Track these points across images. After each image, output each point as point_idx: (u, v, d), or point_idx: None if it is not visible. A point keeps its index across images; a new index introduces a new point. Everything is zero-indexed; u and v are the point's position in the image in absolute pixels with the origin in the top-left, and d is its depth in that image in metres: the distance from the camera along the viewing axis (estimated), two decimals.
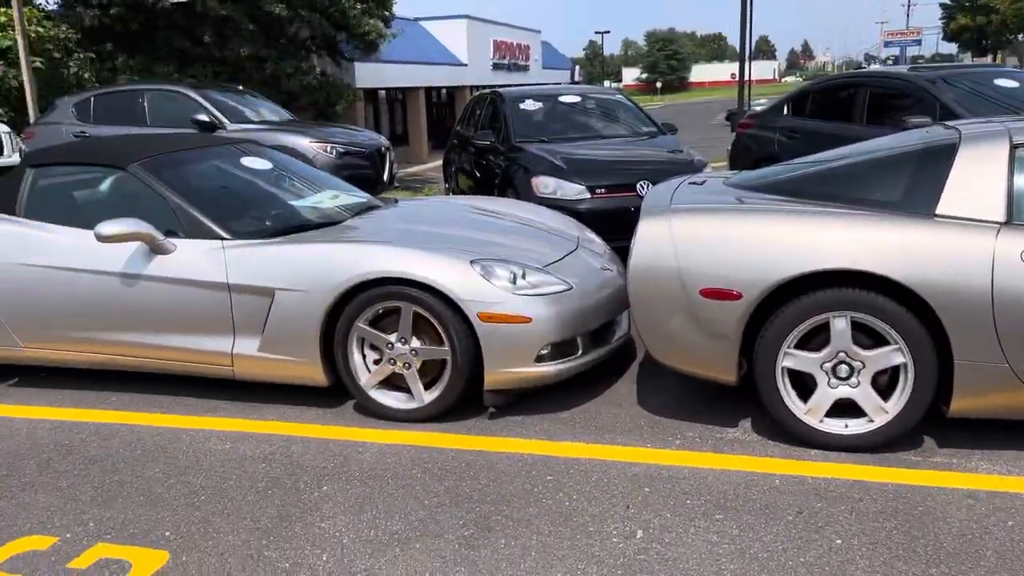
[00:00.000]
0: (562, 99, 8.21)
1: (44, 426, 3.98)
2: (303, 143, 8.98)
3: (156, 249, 4.01)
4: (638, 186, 6.57)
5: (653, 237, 3.54)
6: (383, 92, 26.72)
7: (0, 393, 4.43)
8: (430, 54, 27.98)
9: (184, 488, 3.31)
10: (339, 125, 12.58)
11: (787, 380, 3.43)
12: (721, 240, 3.44)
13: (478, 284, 3.70)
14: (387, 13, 21.57)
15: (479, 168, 8.17)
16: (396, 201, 5.23)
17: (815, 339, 3.38)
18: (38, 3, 18.45)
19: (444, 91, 31.14)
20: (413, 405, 3.87)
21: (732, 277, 3.39)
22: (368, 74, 23.47)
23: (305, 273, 3.84)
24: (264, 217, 4.39)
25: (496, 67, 32.46)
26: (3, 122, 12.66)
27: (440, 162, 21.51)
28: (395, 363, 3.85)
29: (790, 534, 2.81)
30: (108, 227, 3.88)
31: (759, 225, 3.44)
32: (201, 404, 4.18)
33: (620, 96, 8.81)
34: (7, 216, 4.29)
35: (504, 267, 3.82)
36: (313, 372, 3.95)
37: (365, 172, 9.25)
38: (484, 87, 33.15)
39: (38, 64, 16.42)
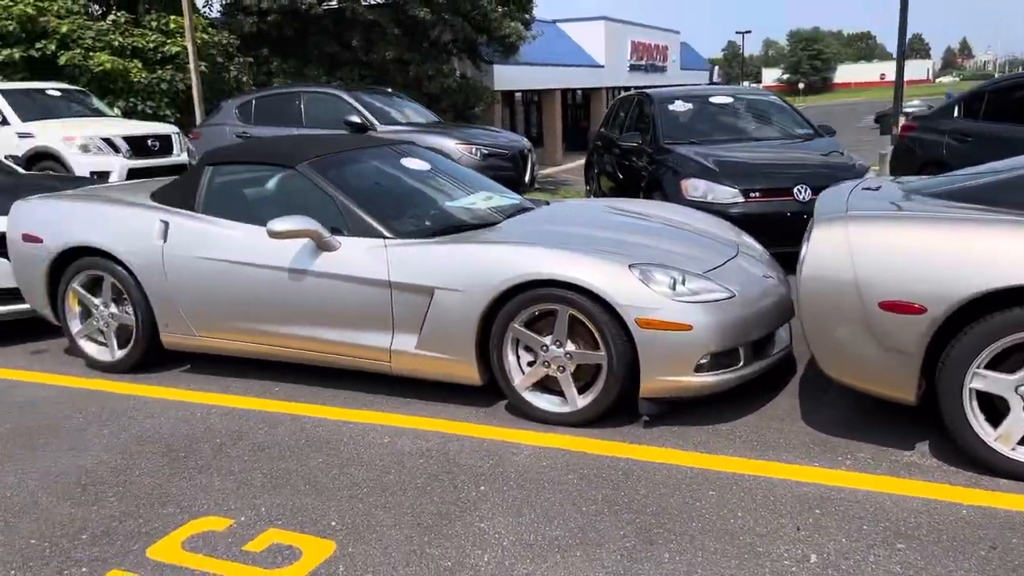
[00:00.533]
0: (712, 100, 8.00)
1: (216, 412, 4.20)
2: (449, 144, 9.15)
3: (322, 246, 4.16)
4: (795, 190, 6.31)
5: (829, 245, 3.36)
6: (519, 94, 26.98)
7: (175, 378, 4.71)
8: (567, 56, 28.02)
9: (347, 480, 3.41)
10: (482, 127, 12.78)
11: (975, 402, 3.18)
12: (904, 250, 3.23)
13: (637, 289, 3.63)
14: (527, 15, 21.75)
15: (624, 170, 8.07)
16: (547, 203, 5.22)
17: (1010, 359, 3.11)
18: (202, 11, 19.65)
19: (579, 93, 31.12)
20: (566, 409, 3.84)
21: (916, 290, 3.17)
22: (506, 76, 23.74)
23: (464, 273, 3.88)
24: (423, 217, 4.48)
25: (633, 68, 32.15)
26: (170, 123, 13.60)
27: (574, 164, 21.36)
28: (549, 366, 3.83)
29: (984, 570, 2.59)
30: (280, 224, 4.06)
31: (947, 234, 3.20)
32: (358, 398, 4.31)
33: (773, 97, 8.50)
34: (188, 211, 4.56)
35: (663, 272, 3.73)
36: (468, 371, 3.99)
37: (507, 174, 9.33)
38: (620, 89, 32.94)
39: (203, 68, 17.53)
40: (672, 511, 3.05)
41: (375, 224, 4.19)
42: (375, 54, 19.81)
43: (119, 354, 4.76)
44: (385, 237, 4.14)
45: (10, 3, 15.94)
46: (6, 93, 10.68)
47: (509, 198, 5.08)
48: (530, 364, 3.90)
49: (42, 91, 11.29)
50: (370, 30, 19.74)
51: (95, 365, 4.85)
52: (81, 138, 10.16)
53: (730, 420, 3.83)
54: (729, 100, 8.09)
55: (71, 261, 4.75)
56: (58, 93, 11.44)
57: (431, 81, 19.94)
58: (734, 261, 4.19)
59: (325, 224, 4.16)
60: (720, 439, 3.64)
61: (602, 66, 29.74)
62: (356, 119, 9.38)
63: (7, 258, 5.23)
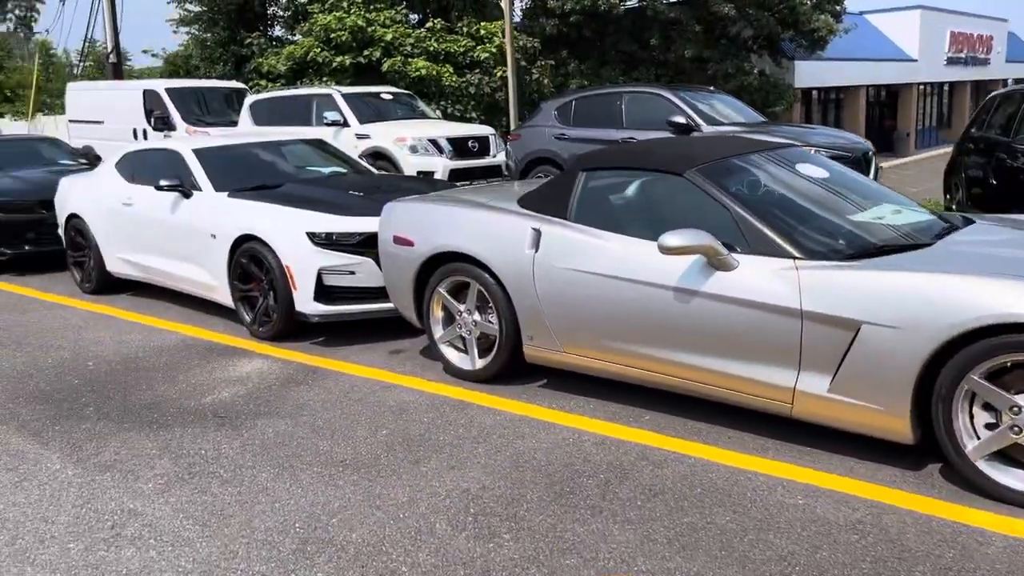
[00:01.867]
0: None
1: (588, 440, 3.83)
2: None
3: (716, 264, 3.62)
4: None
5: None
6: (815, 92, 25.05)
7: (534, 394, 4.44)
8: (875, 49, 25.56)
9: (769, 551, 2.83)
10: (811, 126, 11.69)
11: None
12: None
13: None
14: (838, 7, 20.01)
15: (1010, 178, 6.76)
16: (969, 220, 4.29)
17: None
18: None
19: (883, 90, 28.29)
20: None
21: None
22: (807, 73, 22.09)
23: (902, 307, 3.15)
24: (835, 233, 3.78)
25: (950, 62, 28.69)
26: (478, 123, 13.96)
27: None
28: (1020, 432, 3.00)
29: None
30: (673, 238, 3.58)
31: None
32: (743, 439, 3.73)
33: None
34: (560, 220, 4.25)
35: None
36: (897, 425, 3.25)
37: None
38: (933, 85, 29.55)
39: (508, 72, 17.95)
40: None
41: (781, 241, 3.58)
42: (673, 53, 19.21)
43: (479, 363, 4.58)
44: (794, 257, 3.51)
45: (344, 15, 17.36)
46: (347, 97, 11.43)
47: (920, 212, 4.24)
48: (988, 427, 3.09)
49: (376, 95, 11.98)
50: (669, 28, 19.18)
51: (454, 372, 4.71)
52: (411, 139, 10.59)
53: None
54: None
55: (439, 265, 4.64)
56: (390, 97, 12.08)
57: (729, 79, 18.96)
58: None
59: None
60: None
61: (915, 60, 26.77)
62: (681, 119, 8.82)
63: (367, 256, 5.30)
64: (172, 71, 20.56)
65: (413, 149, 10.56)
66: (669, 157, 4.18)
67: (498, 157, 11.23)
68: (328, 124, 11.13)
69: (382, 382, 4.71)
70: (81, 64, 23.85)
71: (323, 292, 5.36)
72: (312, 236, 5.33)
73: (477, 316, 4.55)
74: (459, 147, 10.81)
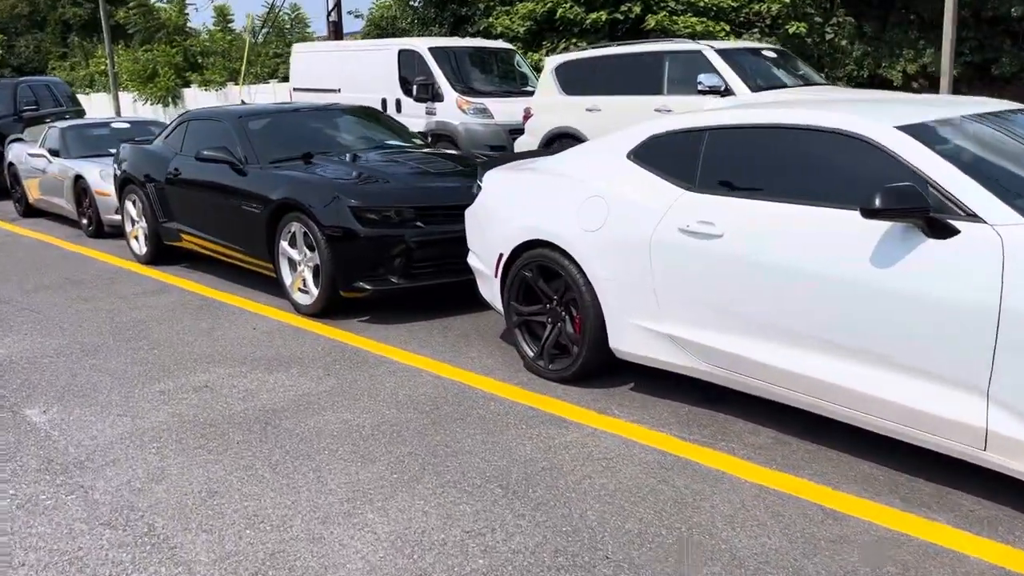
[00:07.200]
0: None
1: None
2: None
3: None
4: None
5: None
6: None
7: None
8: None
9: None
10: None
11: None
12: None
13: None
14: None
15: None
16: None
17: None
18: None
19: None
20: None
21: None
22: None
23: None
24: None
25: None
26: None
27: None
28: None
29: None
30: None
31: None
32: None
33: None
34: None
35: None
36: None
37: None
38: None
39: (801, 28, 14.08)
40: None
41: None
42: (989, 10, 14.90)
43: None
44: None
45: None
46: (725, 54, 7.82)
47: None
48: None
49: (757, 52, 8.34)
50: None
51: None
52: None
53: None
54: None
55: None
56: (773, 54, 8.41)
57: None
58: None
59: None
60: None
61: None
62: None
63: None
64: (377, 35, 17.38)
65: None
66: None
67: None
68: (704, 91, 7.57)
69: None
70: (262, 31, 21.00)
71: None
72: None
73: None
74: None
